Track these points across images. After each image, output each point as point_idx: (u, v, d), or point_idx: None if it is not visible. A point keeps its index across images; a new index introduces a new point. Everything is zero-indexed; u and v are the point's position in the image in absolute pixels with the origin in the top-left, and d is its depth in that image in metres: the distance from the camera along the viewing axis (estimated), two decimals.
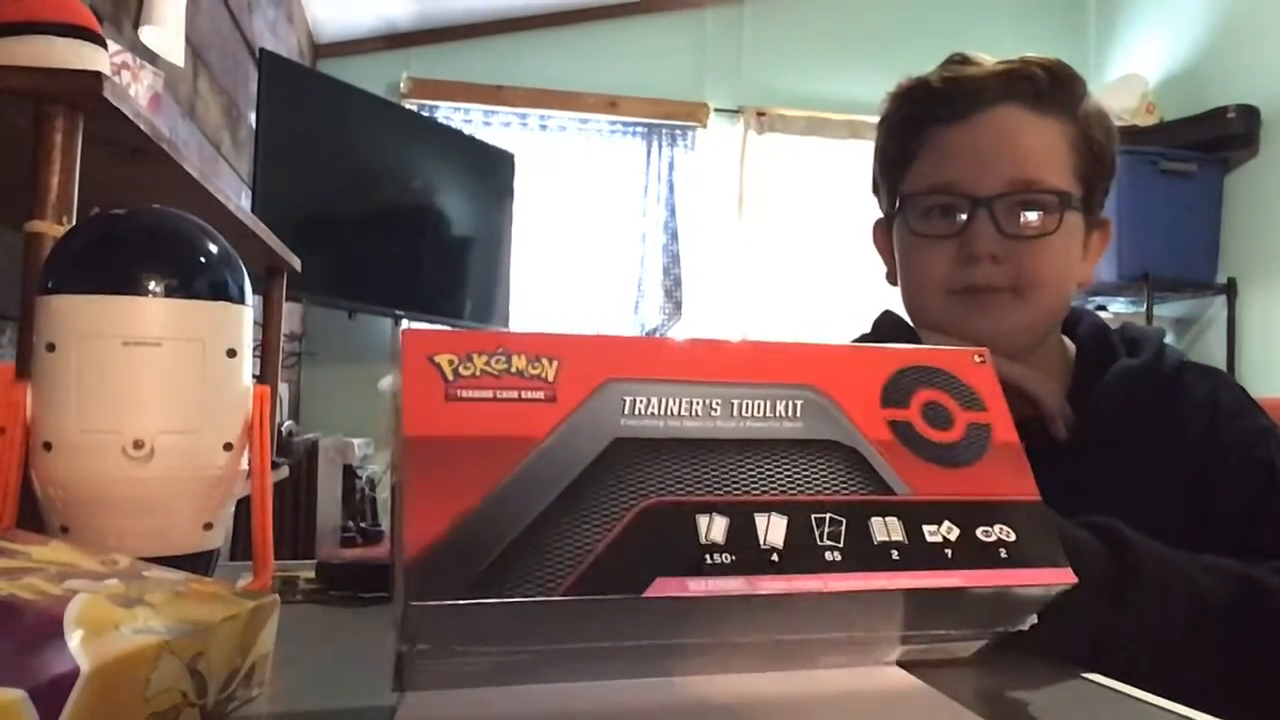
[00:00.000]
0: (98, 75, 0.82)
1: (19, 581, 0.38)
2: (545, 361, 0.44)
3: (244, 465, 0.58)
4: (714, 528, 0.42)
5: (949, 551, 0.44)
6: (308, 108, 2.67)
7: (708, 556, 0.41)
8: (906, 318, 0.86)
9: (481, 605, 0.38)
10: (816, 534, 0.43)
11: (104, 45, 1.01)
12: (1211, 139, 3.18)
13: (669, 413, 0.45)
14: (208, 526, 0.57)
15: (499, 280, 3.46)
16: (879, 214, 0.90)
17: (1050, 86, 0.78)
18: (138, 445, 0.53)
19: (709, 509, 0.42)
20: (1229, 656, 0.64)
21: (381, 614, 0.64)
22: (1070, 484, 0.58)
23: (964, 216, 0.77)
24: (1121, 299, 3.41)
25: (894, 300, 0.88)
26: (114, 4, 1.64)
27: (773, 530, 0.43)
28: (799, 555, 0.42)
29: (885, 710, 0.45)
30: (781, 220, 3.81)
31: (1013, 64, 0.78)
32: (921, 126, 0.81)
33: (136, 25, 1.71)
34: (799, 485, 0.44)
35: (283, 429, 2.60)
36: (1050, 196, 0.77)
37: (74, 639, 0.34)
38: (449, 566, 0.39)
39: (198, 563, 0.56)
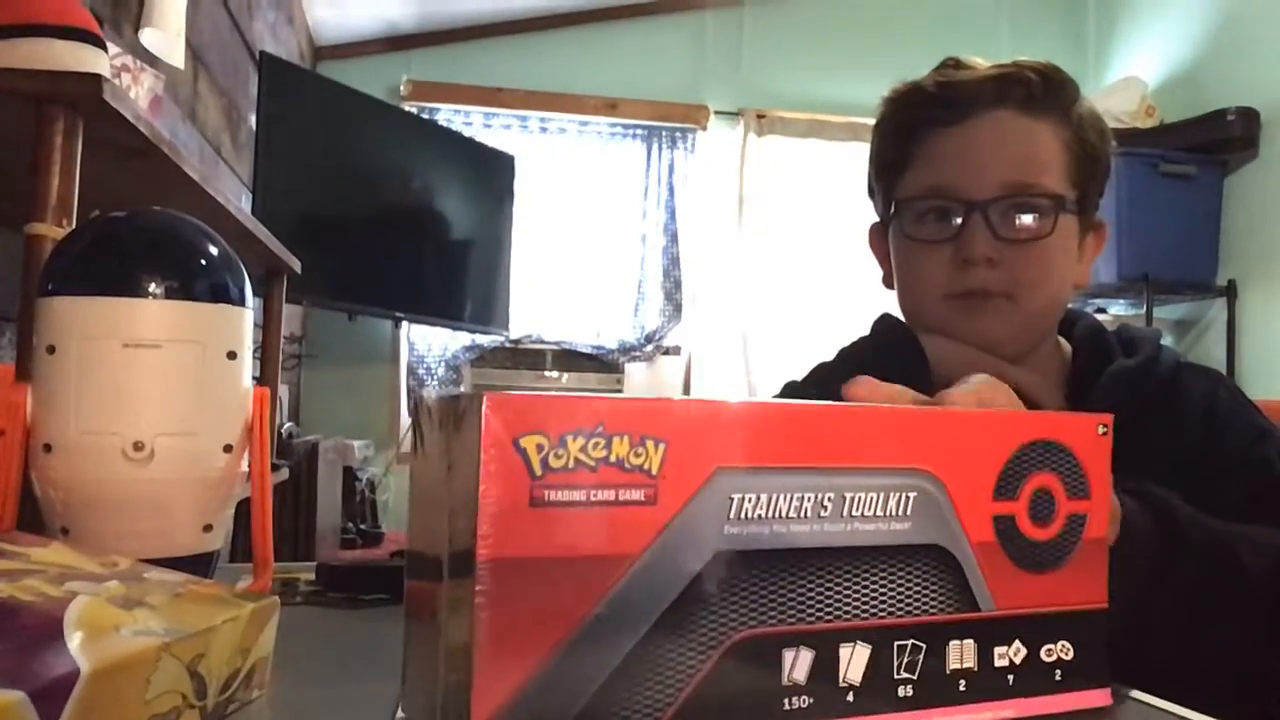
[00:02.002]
0: (98, 78, 0.82)
1: (19, 583, 0.38)
2: (650, 446, 0.37)
3: (244, 467, 0.58)
4: (799, 664, 0.40)
5: (1011, 678, 0.43)
6: (308, 110, 2.67)
7: (787, 700, 0.39)
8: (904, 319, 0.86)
9: None
10: (895, 664, 0.41)
11: (104, 47, 1.01)
12: (1211, 141, 3.18)
13: (777, 514, 0.40)
14: (207, 528, 0.57)
15: (499, 283, 3.46)
16: (877, 218, 0.90)
17: (1043, 90, 0.78)
18: (138, 447, 0.53)
19: (797, 641, 0.40)
20: (1270, 631, 0.64)
21: (382, 615, 0.64)
22: None
23: (959, 221, 0.77)
24: (1121, 301, 3.41)
25: (895, 303, 0.88)
26: (114, 6, 1.64)
27: (854, 663, 0.41)
28: (874, 691, 0.41)
29: None
30: (781, 223, 3.81)
31: (1006, 68, 0.79)
32: (915, 131, 0.81)
33: (137, 27, 1.71)
34: (891, 603, 0.42)
35: (283, 431, 2.60)
36: (1045, 200, 0.77)
37: (74, 640, 0.34)
38: None
39: (198, 564, 0.56)
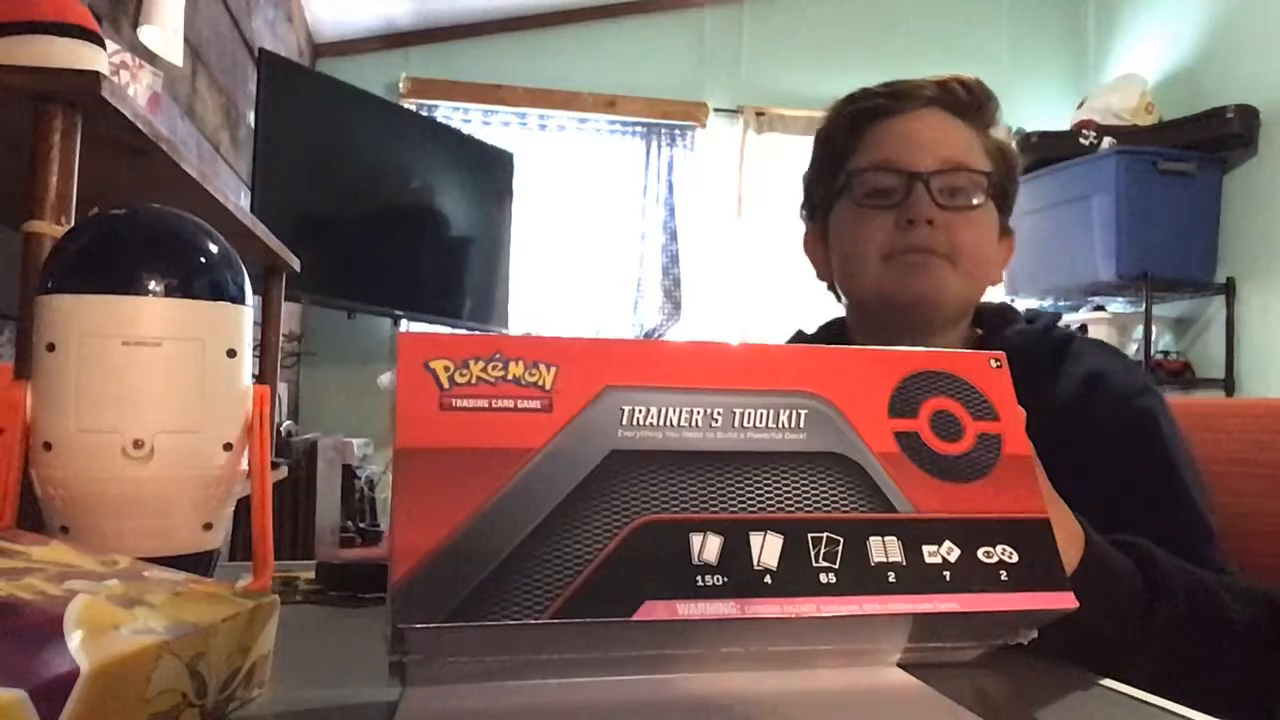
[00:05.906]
0: (96, 75, 0.82)
1: (19, 582, 0.38)
2: (543, 368, 0.44)
3: (243, 465, 0.58)
4: (707, 547, 0.42)
5: (947, 574, 0.44)
6: (307, 107, 2.67)
7: (699, 578, 0.41)
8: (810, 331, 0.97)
9: (467, 628, 0.38)
10: (812, 554, 0.43)
11: (103, 45, 1.00)
12: (1210, 139, 3.18)
13: (668, 423, 0.44)
14: (207, 526, 0.57)
15: (498, 280, 3.45)
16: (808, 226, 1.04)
17: (968, 100, 0.89)
18: (137, 445, 0.53)
19: (703, 527, 0.42)
20: (1250, 677, 0.65)
21: (381, 613, 0.64)
22: None
23: (903, 189, 0.86)
24: (1120, 299, 3.41)
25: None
26: (112, 4, 1.64)
27: (767, 550, 0.42)
28: (793, 576, 0.42)
29: (884, 710, 0.45)
30: (780, 220, 3.80)
31: (941, 77, 0.90)
32: (864, 120, 0.91)
33: (135, 25, 1.71)
34: (798, 501, 0.44)
35: (282, 429, 2.60)
36: (978, 175, 0.87)
37: (74, 639, 0.34)
38: (436, 588, 0.38)
39: (198, 563, 0.56)
